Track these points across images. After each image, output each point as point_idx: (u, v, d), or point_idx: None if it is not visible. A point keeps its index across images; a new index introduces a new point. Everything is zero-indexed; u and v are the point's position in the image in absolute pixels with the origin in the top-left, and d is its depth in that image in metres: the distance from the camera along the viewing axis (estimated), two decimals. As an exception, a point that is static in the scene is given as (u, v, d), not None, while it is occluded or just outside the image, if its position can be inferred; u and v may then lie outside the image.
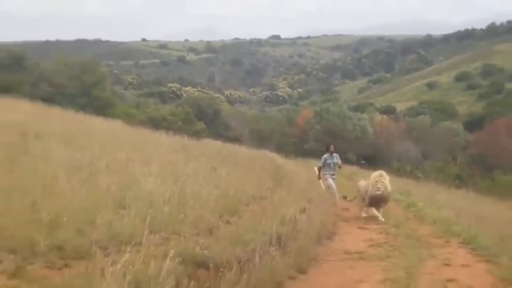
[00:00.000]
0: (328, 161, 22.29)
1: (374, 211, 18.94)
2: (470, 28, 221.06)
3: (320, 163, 22.79)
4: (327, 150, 22.63)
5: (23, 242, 7.21)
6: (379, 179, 18.60)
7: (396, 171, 28.06)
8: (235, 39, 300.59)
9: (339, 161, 22.56)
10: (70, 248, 7.60)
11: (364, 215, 19.25)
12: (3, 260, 6.57)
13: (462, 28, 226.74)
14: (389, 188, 19.11)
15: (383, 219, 18.22)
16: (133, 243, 7.99)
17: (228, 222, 11.42)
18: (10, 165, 10.75)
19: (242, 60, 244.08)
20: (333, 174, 22.46)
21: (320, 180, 22.89)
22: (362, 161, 54.83)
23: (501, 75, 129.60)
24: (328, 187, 22.26)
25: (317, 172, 23.30)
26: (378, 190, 18.30)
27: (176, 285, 7.01)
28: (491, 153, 51.85)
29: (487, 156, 52.09)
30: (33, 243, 7.22)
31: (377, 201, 18.83)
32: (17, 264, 6.66)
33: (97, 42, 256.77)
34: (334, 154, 22.43)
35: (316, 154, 53.18)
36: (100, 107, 44.75)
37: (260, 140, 57.45)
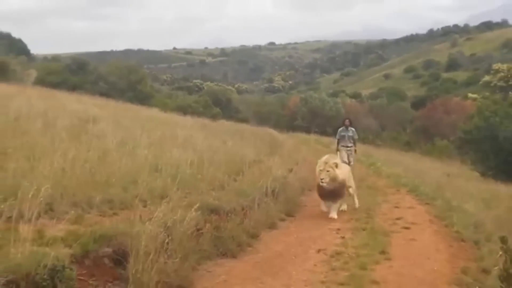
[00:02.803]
0: (342, 134, 17.58)
1: (325, 206, 12.03)
2: (414, 33, 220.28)
3: (337, 136, 18.01)
4: (343, 123, 17.99)
5: (83, 198, 7.26)
6: (324, 167, 11.63)
7: (361, 140, 28.04)
8: (241, 45, 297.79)
9: (355, 135, 17.81)
10: (117, 201, 7.64)
11: (322, 208, 12.21)
12: (68, 211, 6.62)
13: (409, 33, 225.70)
14: (341, 176, 11.85)
15: (335, 216, 11.50)
16: (164, 197, 8.04)
17: (234, 180, 11.46)
18: (74, 141, 10.79)
19: (247, 61, 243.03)
20: (348, 147, 17.40)
21: (337, 152, 17.31)
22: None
23: (438, 67, 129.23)
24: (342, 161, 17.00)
25: (336, 144, 18.06)
26: (322, 182, 11.46)
27: (196, 227, 7.07)
28: (431, 124, 51.88)
29: (428, 127, 52.14)
30: (90, 198, 7.27)
31: (326, 194, 11.89)
32: (78, 214, 6.70)
33: (140, 51, 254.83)
34: (350, 128, 17.67)
35: (303, 129, 53.28)
36: (143, 99, 44.62)
37: (261, 120, 57.08)
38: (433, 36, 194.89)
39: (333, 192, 11.80)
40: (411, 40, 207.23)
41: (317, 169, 11.88)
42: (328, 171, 11.48)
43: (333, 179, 11.49)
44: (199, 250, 7.06)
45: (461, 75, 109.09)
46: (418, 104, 73.17)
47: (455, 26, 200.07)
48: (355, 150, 17.39)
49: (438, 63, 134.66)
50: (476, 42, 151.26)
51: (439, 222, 10.97)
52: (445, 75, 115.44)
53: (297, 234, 9.08)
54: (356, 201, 13.01)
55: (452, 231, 10.01)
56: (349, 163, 16.33)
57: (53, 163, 7.79)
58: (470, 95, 70.45)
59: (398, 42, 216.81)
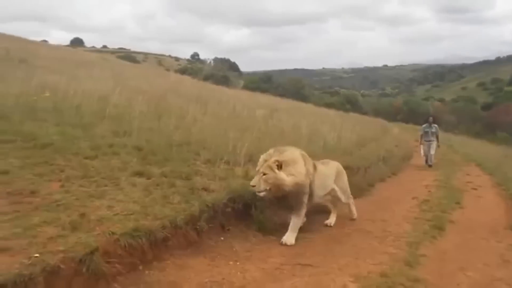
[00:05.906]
0: (426, 130, 13.53)
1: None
2: (486, 59, 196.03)
3: (421, 131, 13.92)
4: (427, 121, 13.86)
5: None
6: (262, 168, 4.36)
7: (444, 129, 25.21)
8: (365, 66, 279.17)
9: (437, 131, 13.65)
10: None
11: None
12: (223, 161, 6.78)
13: (481, 59, 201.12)
14: (291, 179, 4.41)
15: (287, 242, 4.43)
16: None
17: (359, 149, 11.07)
18: (264, 122, 11.04)
19: (368, 76, 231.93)
20: (430, 141, 13.26)
21: (421, 145, 13.79)
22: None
23: (501, 83, 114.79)
24: (424, 153, 13.42)
25: (419, 138, 14.01)
26: (256, 191, 4.38)
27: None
28: (495, 122, 46.61)
29: (493, 123, 46.85)
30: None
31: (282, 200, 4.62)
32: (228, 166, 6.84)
33: (303, 70, 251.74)
34: (433, 125, 13.61)
35: (403, 121, 49.85)
36: (304, 98, 44.37)
37: (376, 113, 54.53)
38: (499, 61, 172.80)
39: (287, 198, 4.71)
40: (483, 64, 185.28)
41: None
42: (264, 174, 4.47)
43: (276, 185, 4.47)
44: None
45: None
46: (486, 108, 65.77)
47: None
48: (438, 145, 13.58)
49: (502, 80, 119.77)
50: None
51: (499, 187, 9.80)
52: (506, 88, 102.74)
53: (399, 186, 8.59)
54: (353, 209, 6.03)
55: (508, 193, 8.90)
56: (430, 154, 13.14)
57: (253, 134, 8.07)
58: (525, 102, 62.54)
59: (473, 65, 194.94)
